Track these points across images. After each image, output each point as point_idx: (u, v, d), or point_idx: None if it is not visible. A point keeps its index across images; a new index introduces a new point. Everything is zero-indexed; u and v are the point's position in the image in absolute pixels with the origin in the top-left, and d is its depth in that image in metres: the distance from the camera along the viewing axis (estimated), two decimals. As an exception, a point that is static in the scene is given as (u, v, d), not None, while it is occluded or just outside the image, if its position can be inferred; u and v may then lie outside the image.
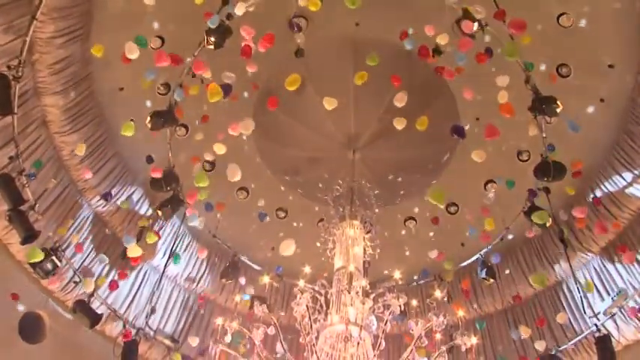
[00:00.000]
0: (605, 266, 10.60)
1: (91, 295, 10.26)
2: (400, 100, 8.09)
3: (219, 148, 8.43)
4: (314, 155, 10.93)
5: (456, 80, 8.54)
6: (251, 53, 7.86)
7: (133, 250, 9.02)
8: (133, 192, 11.03)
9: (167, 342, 10.37)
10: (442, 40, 7.96)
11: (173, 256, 10.45)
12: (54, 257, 9.62)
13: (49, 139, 9.80)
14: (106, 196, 10.55)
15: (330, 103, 8.48)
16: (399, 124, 8.30)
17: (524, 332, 9.39)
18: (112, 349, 10.23)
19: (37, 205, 9.14)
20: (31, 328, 10.08)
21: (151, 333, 10.41)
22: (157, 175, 9.06)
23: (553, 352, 10.17)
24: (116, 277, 10.35)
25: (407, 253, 10.24)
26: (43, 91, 9.25)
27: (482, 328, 10.28)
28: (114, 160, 10.73)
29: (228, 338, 7.01)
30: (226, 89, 8.27)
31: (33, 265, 9.46)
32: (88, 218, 10.78)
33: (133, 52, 7.66)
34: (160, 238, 10.13)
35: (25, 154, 9.17)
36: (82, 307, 9.90)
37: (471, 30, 7.80)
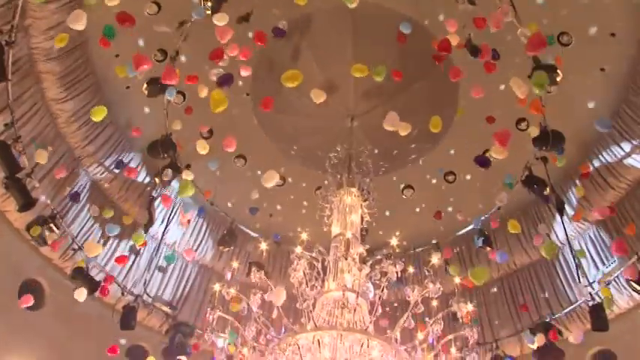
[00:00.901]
0: (600, 235, 10.65)
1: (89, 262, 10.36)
2: (392, 124, 8.03)
3: (203, 147, 8.49)
4: (312, 123, 10.88)
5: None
6: (222, 56, 7.90)
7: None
8: (131, 159, 10.99)
9: (165, 309, 10.44)
10: None
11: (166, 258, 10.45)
12: (52, 225, 9.67)
13: (45, 106, 9.72)
14: (119, 165, 10.52)
15: (318, 96, 8.44)
16: (403, 129, 8.25)
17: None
18: (111, 315, 10.36)
19: (33, 173, 9.10)
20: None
21: (150, 300, 10.46)
22: (137, 134, 9.02)
23: (547, 320, 10.32)
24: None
25: (404, 221, 10.22)
26: (38, 58, 9.14)
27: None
28: (111, 128, 10.67)
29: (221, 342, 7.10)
30: (227, 78, 8.24)
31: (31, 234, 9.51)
32: (85, 186, 10.77)
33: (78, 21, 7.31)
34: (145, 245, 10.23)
35: (20, 121, 9.10)
36: (81, 274, 9.99)
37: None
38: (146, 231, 9.70)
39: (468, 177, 10.68)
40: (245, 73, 8.77)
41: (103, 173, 10.83)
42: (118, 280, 10.68)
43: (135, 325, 9.80)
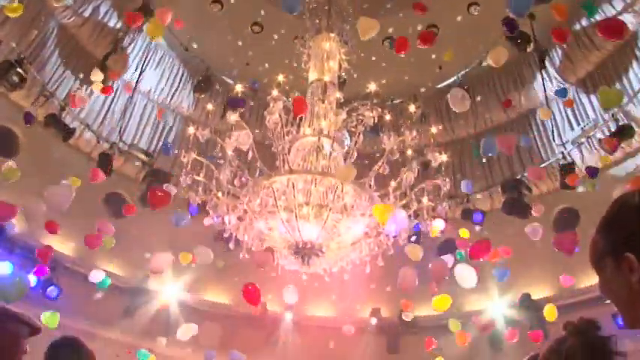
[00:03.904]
0: (579, 96, 10.63)
1: (63, 109, 10.15)
2: None
3: None
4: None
5: None
6: None
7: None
8: (100, 3, 10.38)
9: (141, 156, 10.40)
10: None
11: None
12: (19, 69, 9.32)
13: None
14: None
15: None
16: None
17: None
18: (86, 163, 10.34)
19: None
20: (3, 142, 10.05)
21: (125, 147, 10.40)
22: None
23: (519, 177, 10.58)
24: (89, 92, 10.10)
25: (385, 72, 9.98)
26: None
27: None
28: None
29: None
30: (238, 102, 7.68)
31: (-1, 79, 9.17)
32: (53, 30, 10.24)
33: None
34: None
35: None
36: (55, 121, 9.82)
37: None
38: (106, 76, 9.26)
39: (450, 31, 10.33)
40: None
41: (71, 17, 10.25)
42: (93, 127, 10.55)
43: (111, 172, 9.80)
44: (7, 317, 2.54)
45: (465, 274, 7.08)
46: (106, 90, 9.32)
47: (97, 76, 9.09)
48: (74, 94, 8.97)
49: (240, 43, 10.57)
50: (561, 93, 9.98)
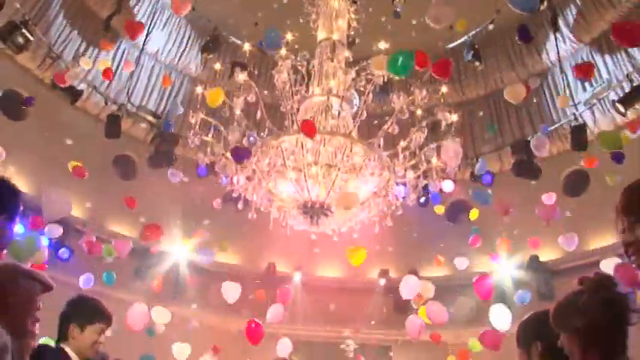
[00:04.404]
0: (593, 57, 10.44)
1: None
2: None
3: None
4: None
5: None
6: None
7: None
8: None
9: (149, 118, 10.37)
10: None
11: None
12: (24, 30, 9.24)
13: None
14: None
15: None
16: None
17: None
18: (95, 126, 10.36)
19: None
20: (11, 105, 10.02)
21: (133, 109, 10.36)
22: None
23: (528, 139, 10.45)
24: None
25: (395, 32, 9.80)
26: None
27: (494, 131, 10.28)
28: None
29: None
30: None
31: (3, 39, 9.10)
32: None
33: None
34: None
35: None
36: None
37: None
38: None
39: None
40: None
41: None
42: (101, 90, 10.51)
43: (120, 133, 9.80)
44: (20, 274, 2.57)
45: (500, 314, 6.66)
46: (104, 45, 9.22)
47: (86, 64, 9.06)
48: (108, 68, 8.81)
49: (248, 3, 10.39)
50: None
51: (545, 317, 2.98)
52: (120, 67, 10.55)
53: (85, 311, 3.41)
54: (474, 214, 8.72)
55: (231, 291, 7.37)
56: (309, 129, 5.94)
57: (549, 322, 2.66)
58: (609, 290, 1.92)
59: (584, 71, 7.91)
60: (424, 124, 7.16)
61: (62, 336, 3.35)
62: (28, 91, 10.04)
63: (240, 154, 6.52)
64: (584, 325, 1.90)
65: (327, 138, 6.80)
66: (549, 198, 8.30)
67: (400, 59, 5.74)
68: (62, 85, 9.13)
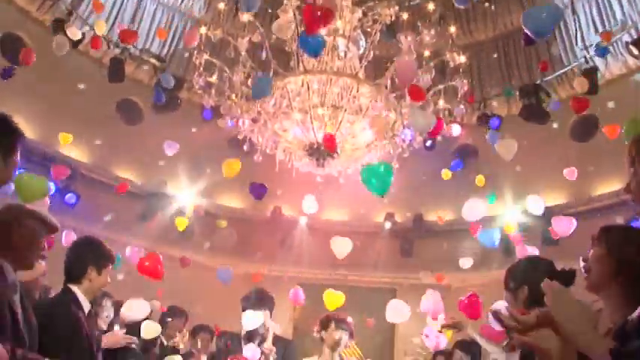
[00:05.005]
0: (606, -2, 10.12)
1: (70, 14, 9.87)
2: None
3: None
4: None
5: None
6: None
7: None
8: None
9: (153, 61, 10.22)
10: None
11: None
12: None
13: None
14: None
15: None
16: None
17: None
18: (98, 70, 10.22)
19: None
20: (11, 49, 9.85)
21: (137, 52, 10.20)
22: None
23: (537, 82, 10.28)
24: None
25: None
26: None
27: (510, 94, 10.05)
28: None
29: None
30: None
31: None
32: None
33: None
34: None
35: None
36: (62, 26, 9.56)
37: None
38: None
39: None
40: None
41: None
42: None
43: (124, 77, 9.68)
44: (26, 215, 2.62)
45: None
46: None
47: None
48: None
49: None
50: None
51: (535, 263, 3.02)
52: (121, 9, 10.35)
53: (102, 254, 3.48)
54: (480, 180, 8.67)
55: (341, 246, 7.15)
56: (330, 143, 5.94)
57: (538, 268, 2.69)
58: None
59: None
60: (431, 65, 7.06)
61: (75, 277, 3.39)
62: (28, 34, 9.87)
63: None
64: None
65: (333, 79, 6.71)
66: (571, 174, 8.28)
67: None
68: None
